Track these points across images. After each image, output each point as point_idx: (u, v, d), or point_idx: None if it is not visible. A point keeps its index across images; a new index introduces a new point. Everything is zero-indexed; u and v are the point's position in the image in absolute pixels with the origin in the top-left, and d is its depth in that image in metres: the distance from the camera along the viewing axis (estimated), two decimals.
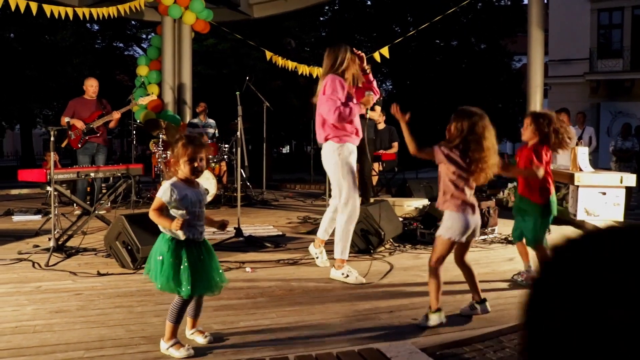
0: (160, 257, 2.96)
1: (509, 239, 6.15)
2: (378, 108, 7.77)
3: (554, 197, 4.32)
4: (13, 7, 8.42)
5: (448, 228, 3.45)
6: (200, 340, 3.12)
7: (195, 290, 2.99)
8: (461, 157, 3.38)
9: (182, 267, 2.95)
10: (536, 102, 8.80)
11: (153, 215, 3.00)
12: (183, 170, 3.05)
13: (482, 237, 6.17)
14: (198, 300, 3.15)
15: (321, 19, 26.75)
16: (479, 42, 28.88)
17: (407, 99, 26.73)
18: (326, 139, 4.59)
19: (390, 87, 32.62)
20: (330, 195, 7.64)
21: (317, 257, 4.97)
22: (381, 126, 10.27)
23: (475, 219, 3.49)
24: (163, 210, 3.01)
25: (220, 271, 3.20)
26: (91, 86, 8.11)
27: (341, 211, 4.63)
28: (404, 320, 3.53)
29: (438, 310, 3.40)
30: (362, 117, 6.61)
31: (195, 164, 3.05)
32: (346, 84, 4.56)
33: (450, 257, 3.58)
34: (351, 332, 3.32)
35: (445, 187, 3.46)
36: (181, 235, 2.97)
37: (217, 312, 3.64)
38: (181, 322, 3.04)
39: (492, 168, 3.40)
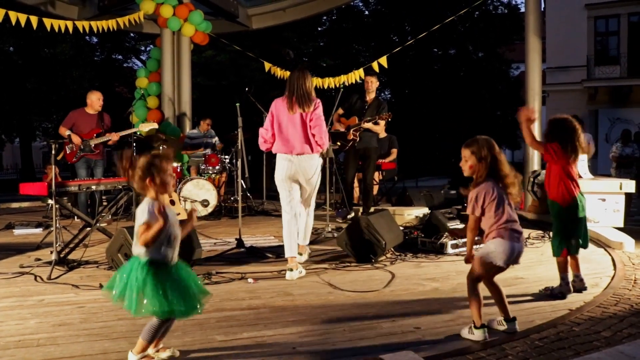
0: (136, 283, 2.87)
1: None
2: (382, 122, 7.82)
3: (580, 199, 4.26)
4: (14, 22, 8.46)
5: (491, 252, 3.38)
6: (164, 355, 3.08)
7: (186, 313, 2.98)
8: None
9: (164, 288, 2.87)
10: (535, 110, 8.83)
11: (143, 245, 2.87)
12: (159, 187, 2.98)
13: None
14: (172, 321, 3.07)
15: (319, 29, 26.84)
16: (477, 50, 28.99)
17: (406, 108, 26.82)
18: (313, 151, 5.18)
19: (389, 96, 32.71)
20: (329, 204, 7.69)
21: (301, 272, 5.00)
22: (382, 135, 10.32)
23: (519, 246, 3.44)
24: (157, 235, 2.88)
25: (200, 285, 3.10)
26: (98, 100, 8.11)
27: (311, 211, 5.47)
28: (406, 329, 3.53)
29: (482, 326, 3.34)
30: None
31: (169, 181, 3.01)
32: None
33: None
34: (354, 342, 3.33)
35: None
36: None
37: (219, 323, 3.64)
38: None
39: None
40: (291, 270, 4.88)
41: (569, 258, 4.31)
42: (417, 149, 24.04)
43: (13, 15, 8.36)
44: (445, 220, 6.18)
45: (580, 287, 4.31)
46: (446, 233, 6.02)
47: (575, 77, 22.15)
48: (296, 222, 5.20)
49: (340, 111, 8.09)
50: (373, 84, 8.01)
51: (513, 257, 3.40)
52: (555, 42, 21.89)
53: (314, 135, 5.16)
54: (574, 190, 4.23)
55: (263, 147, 5.36)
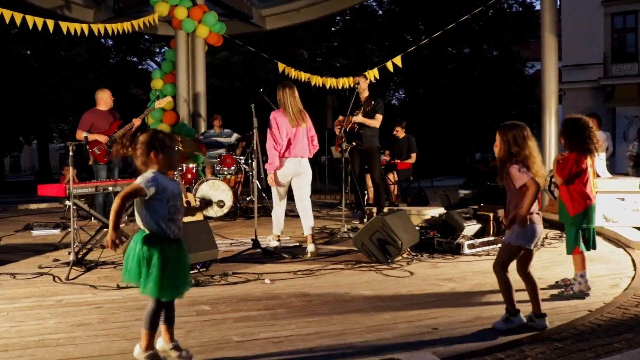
0: (146, 258, 2.92)
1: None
2: (379, 116, 7.84)
3: (592, 209, 4.21)
4: (31, 25, 8.56)
5: (518, 236, 3.53)
6: (174, 353, 3.06)
7: (180, 292, 3.03)
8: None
9: (167, 268, 2.92)
10: (551, 109, 8.77)
11: (117, 202, 2.86)
12: (163, 161, 3.00)
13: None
14: (170, 304, 3.08)
15: (333, 29, 26.84)
16: (491, 49, 28.80)
17: (420, 107, 26.75)
18: (310, 155, 6.29)
19: (403, 95, 32.64)
20: (344, 205, 7.68)
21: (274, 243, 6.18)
22: (401, 135, 10.31)
23: (541, 228, 3.63)
24: (132, 197, 2.90)
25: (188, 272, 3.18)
26: (109, 97, 8.20)
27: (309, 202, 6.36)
28: (424, 330, 3.51)
29: (517, 312, 3.49)
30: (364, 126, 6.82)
31: (174, 156, 3.04)
32: None
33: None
34: (371, 342, 3.32)
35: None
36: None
37: (236, 324, 3.64)
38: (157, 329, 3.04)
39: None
40: (278, 241, 6.24)
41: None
42: (432, 148, 23.91)
43: (30, 19, 8.45)
44: (461, 220, 6.14)
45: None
46: (462, 233, 5.99)
47: (592, 75, 21.93)
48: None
49: (341, 117, 8.14)
50: (363, 84, 8.01)
51: (538, 239, 3.57)
52: (572, 39, 21.66)
53: (312, 141, 6.29)
54: (588, 201, 4.19)
55: (274, 156, 6.10)
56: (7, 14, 8.24)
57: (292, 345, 3.29)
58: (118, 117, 8.21)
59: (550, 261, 5.46)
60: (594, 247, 4.31)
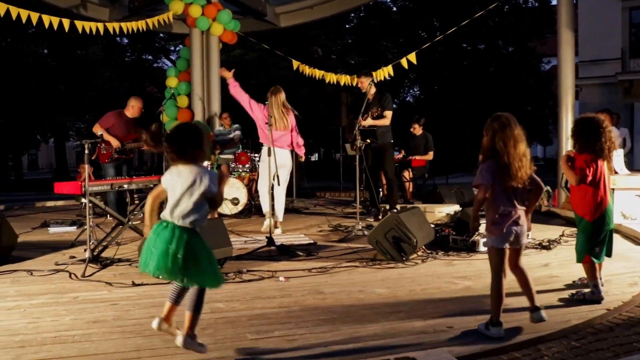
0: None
1: (543, 244, 6.06)
2: (388, 113, 7.83)
3: (607, 212, 4.03)
4: (47, 25, 8.62)
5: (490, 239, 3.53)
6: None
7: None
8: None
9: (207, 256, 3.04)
10: (568, 105, 8.67)
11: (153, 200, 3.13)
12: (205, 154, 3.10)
13: None
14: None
15: (347, 26, 26.76)
16: (507, 44, 28.54)
17: (435, 104, 26.60)
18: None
19: (418, 92, 32.48)
20: (359, 203, 7.66)
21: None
22: (418, 132, 10.26)
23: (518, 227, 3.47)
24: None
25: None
26: (139, 108, 8.30)
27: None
28: (439, 328, 3.49)
29: (500, 324, 3.37)
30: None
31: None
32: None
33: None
34: (386, 340, 3.30)
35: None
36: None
37: (250, 322, 3.64)
38: None
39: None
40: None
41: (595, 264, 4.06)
42: (447, 145, 23.78)
43: (46, 19, 8.52)
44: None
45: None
46: (478, 231, 5.94)
47: (609, 70, 21.62)
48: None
49: (350, 116, 8.13)
50: (363, 84, 7.97)
51: (513, 237, 3.45)
52: (588, 34, 21.37)
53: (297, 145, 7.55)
54: (602, 204, 4.00)
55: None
56: (23, 13, 8.31)
57: (306, 343, 3.28)
58: (137, 130, 8.25)
59: (567, 259, 5.39)
60: (609, 255, 4.15)
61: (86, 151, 5.48)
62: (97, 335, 3.44)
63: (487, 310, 3.80)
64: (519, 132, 3.37)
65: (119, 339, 3.36)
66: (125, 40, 26.93)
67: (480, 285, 4.52)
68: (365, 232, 6.75)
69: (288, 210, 9.53)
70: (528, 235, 6.31)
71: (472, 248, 5.81)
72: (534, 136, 29.89)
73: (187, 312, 3.08)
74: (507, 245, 3.44)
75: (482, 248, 5.77)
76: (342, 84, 10.87)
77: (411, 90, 32.85)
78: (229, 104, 8.52)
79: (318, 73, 10.94)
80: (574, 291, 4.15)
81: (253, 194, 9.45)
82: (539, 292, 3.89)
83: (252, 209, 9.07)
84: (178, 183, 3.02)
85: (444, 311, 3.84)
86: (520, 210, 3.45)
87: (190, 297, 3.09)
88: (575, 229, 6.72)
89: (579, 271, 4.74)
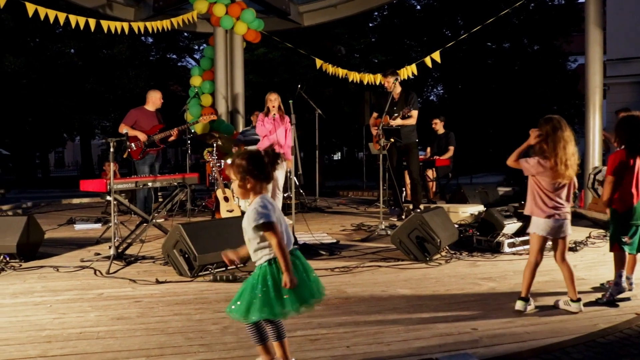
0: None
1: (570, 246, 5.95)
2: (414, 113, 7.80)
3: (636, 208, 4.12)
4: (74, 25, 8.74)
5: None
6: None
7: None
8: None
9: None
10: (595, 104, 8.52)
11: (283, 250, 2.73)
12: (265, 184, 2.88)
13: None
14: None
15: (370, 25, 26.65)
16: (532, 43, 28.16)
17: (459, 103, 26.37)
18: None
19: (442, 91, 32.24)
20: (381, 202, 7.63)
21: None
22: (440, 131, 10.19)
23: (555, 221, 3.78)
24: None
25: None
26: (159, 99, 8.38)
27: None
28: (462, 330, 3.45)
29: (579, 300, 3.75)
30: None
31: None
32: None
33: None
34: (409, 342, 3.27)
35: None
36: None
37: None
38: None
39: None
40: None
41: (627, 255, 4.17)
42: (471, 145, 23.56)
43: (73, 19, 8.64)
44: (501, 219, 6.02)
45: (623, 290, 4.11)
46: (502, 231, 5.87)
47: (638, 69, 21.22)
48: None
49: (375, 114, 8.08)
50: (389, 82, 7.91)
51: (553, 230, 3.75)
52: (617, 32, 20.97)
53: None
54: (633, 199, 4.10)
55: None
56: (51, 13, 8.44)
57: (328, 343, 3.27)
58: (162, 120, 8.36)
59: (594, 261, 5.30)
60: (637, 251, 4.19)
61: (111, 149, 5.53)
62: (121, 332, 3.47)
63: (512, 313, 3.76)
64: (569, 133, 3.68)
65: (143, 336, 3.39)
66: (150, 40, 27.19)
67: (505, 286, 4.47)
68: (389, 232, 6.72)
69: (311, 209, 9.55)
70: None
71: (496, 249, 5.74)
72: None
73: (278, 341, 2.89)
74: (549, 235, 3.75)
75: (507, 249, 5.71)
76: (365, 82, 10.83)
77: (434, 89, 32.64)
78: (257, 105, 8.54)
79: (341, 72, 10.92)
80: (600, 295, 4.08)
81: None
82: (565, 294, 3.84)
83: None
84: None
85: (467, 313, 3.80)
86: (566, 204, 3.77)
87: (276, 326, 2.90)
88: (601, 231, 6.64)
89: (606, 274, 4.67)
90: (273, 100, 7.46)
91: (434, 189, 10.07)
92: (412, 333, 3.41)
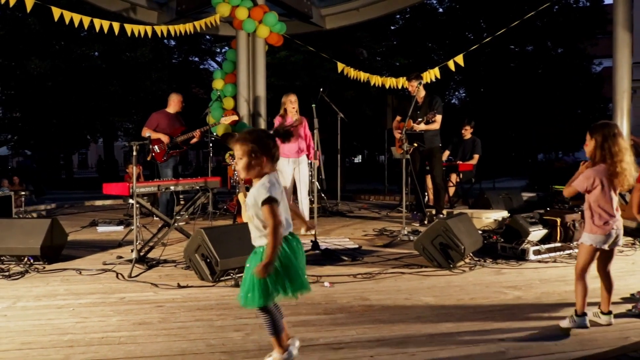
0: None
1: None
2: (438, 117, 7.69)
3: None
4: (97, 28, 8.81)
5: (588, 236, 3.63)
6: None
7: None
8: None
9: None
10: (623, 109, 8.36)
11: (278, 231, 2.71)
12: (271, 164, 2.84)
13: (568, 251, 5.88)
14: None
15: (392, 27, 26.56)
16: (556, 46, 27.79)
17: (482, 107, 26.11)
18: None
19: (464, 95, 31.99)
20: (404, 207, 7.55)
21: None
22: (467, 136, 10.08)
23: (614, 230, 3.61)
24: None
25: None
26: (180, 102, 8.43)
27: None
28: (489, 340, 3.36)
29: (609, 312, 3.63)
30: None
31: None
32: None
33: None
34: (434, 352, 3.20)
35: None
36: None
37: (296, 328, 3.59)
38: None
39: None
40: None
41: None
42: (493, 149, 23.32)
43: (97, 22, 8.71)
44: (527, 225, 5.91)
45: None
46: (527, 238, 5.76)
47: None
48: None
49: (398, 118, 8.02)
50: (413, 87, 7.84)
51: (610, 239, 3.57)
52: None
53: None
54: None
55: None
56: (76, 17, 8.52)
57: (352, 352, 3.21)
58: (183, 123, 8.39)
59: (623, 270, 5.17)
60: None
61: (134, 152, 5.54)
62: (143, 337, 3.45)
63: (539, 323, 3.68)
64: (624, 140, 3.55)
65: (164, 342, 3.36)
66: (172, 43, 27.39)
67: (531, 295, 4.37)
68: (411, 237, 6.65)
69: (332, 214, 9.51)
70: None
71: (521, 256, 5.64)
72: (583, 140, 28.86)
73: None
74: (605, 246, 3.58)
75: (532, 257, 5.60)
76: (387, 86, 10.76)
77: (456, 93, 32.39)
78: (278, 108, 8.47)
79: (363, 75, 10.86)
80: (630, 306, 3.96)
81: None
82: (593, 303, 3.74)
83: None
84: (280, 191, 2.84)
85: (494, 323, 3.72)
86: (619, 214, 3.63)
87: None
88: (630, 239, 6.49)
89: (636, 283, 4.56)
90: (294, 101, 7.39)
91: (451, 194, 9.95)
92: (437, 343, 3.34)
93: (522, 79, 25.61)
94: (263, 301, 2.78)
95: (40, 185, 17.28)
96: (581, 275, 3.58)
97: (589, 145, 3.60)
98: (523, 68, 26.45)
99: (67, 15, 8.43)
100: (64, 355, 3.16)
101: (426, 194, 8.95)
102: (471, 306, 4.12)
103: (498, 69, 25.98)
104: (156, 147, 8.10)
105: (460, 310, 4.02)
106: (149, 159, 8.24)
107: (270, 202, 2.68)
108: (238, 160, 2.83)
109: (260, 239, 2.83)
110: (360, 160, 38.20)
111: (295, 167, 7.42)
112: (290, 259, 2.80)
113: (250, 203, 2.79)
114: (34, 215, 9.54)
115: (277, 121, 7.46)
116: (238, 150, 2.81)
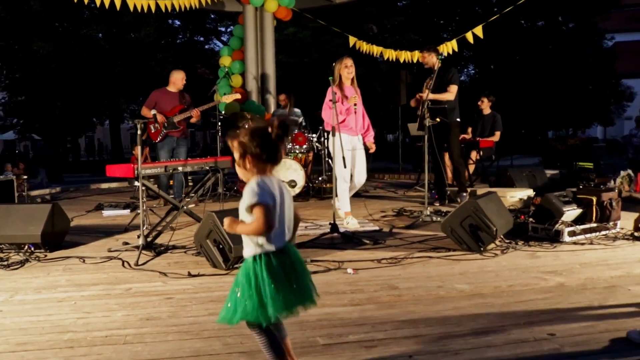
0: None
1: (635, 234, 5.44)
2: (453, 87, 7.20)
3: None
4: (98, 3, 8.40)
5: None
6: None
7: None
8: None
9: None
10: None
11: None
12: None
13: (604, 232, 5.48)
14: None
15: (399, 4, 25.97)
16: (567, 21, 27.07)
17: (491, 84, 25.52)
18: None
19: (473, 72, 31.36)
20: (422, 185, 7.15)
21: (347, 223, 6.13)
22: (486, 111, 9.62)
23: None
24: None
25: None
26: (182, 79, 7.94)
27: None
28: (539, 336, 2.98)
29: None
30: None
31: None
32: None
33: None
34: (480, 350, 2.82)
35: None
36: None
37: (320, 322, 3.23)
38: None
39: None
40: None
41: None
42: (506, 126, 22.81)
43: None
44: (560, 205, 5.49)
45: None
46: (561, 219, 5.36)
47: None
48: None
49: (418, 95, 7.58)
50: (425, 58, 7.36)
51: None
52: None
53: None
54: None
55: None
56: None
57: (386, 350, 2.84)
58: (185, 101, 7.91)
59: (634, 257, 4.77)
60: None
61: (138, 131, 5.17)
62: (151, 335, 3.09)
63: (591, 314, 3.30)
64: None
65: (175, 341, 3.01)
66: (177, 23, 26.90)
67: (574, 281, 3.99)
68: (434, 218, 6.27)
69: None
70: (616, 224, 5.71)
71: (555, 238, 5.25)
72: (594, 117, 28.32)
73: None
74: None
75: (567, 238, 5.21)
76: (402, 60, 10.30)
77: (466, 70, 31.73)
78: (287, 85, 8.09)
79: (376, 50, 10.42)
80: None
81: (310, 176, 9.04)
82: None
83: (310, 192, 8.68)
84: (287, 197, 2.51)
85: (539, 314, 3.34)
86: None
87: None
88: None
89: None
90: (349, 65, 6.34)
91: (470, 172, 9.52)
92: (481, 339, 2.96)
93: (532, 55, 24.98)
94: (239, 318, 2.39)
95: (56, 170, 17.06)
96: None
97: None
98: (534, 43, 25.78)
99: None
100: (63, 358, 2.81)
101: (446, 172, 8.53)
102: (511, 294, 3.73)
103: (508, 45, 25.35)
104: (152, 126, 7.72)
105: (499, 299, 3.63)
106: (144, 137, 7.84)
107: (257, 205, 2.29)
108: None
109: (247, 247, 2.45)
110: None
111: (356, 146, 6.37)
112: (277, 277, 2.39)
113: (240, 209, 2.40)
114: (38, 200, 9.20)
115: (328, 94, 6.06)
116: (231, 146, 2.42)
